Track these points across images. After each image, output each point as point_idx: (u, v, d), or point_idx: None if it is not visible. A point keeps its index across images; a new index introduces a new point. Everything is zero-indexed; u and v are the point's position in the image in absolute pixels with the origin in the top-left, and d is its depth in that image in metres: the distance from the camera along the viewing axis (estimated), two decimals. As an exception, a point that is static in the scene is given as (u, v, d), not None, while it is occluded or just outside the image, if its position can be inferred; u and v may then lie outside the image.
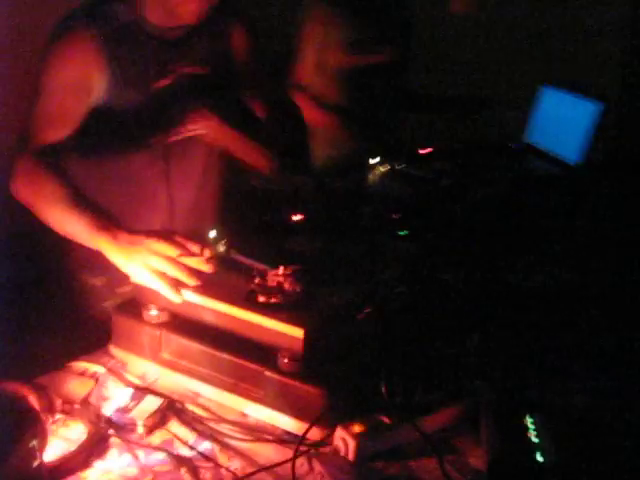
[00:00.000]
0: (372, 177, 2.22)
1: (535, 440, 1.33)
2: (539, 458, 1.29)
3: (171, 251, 1.48)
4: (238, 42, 1.92)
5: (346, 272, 1.59)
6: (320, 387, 1.35)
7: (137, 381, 1.52)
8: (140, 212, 1.87)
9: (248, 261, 1.52)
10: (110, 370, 1.55)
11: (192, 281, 1.46)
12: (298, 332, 1.35)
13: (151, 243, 1.48)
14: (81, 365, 1.56)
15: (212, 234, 1.62)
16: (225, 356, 1.45)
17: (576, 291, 1.90)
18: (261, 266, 1.48)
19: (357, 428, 1.34)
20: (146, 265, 1.47)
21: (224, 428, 1.40)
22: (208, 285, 1.48)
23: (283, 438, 1.38)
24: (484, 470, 1.31)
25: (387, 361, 1.41)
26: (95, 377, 1.52)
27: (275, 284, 1.42)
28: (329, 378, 1.37)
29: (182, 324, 1.52)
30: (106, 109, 1.72)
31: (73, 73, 1.70)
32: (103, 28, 1.70)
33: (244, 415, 1.45)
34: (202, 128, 1.81)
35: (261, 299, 1.40)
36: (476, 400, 1.45)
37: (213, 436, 1.38)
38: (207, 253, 1.48)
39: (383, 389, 1.33)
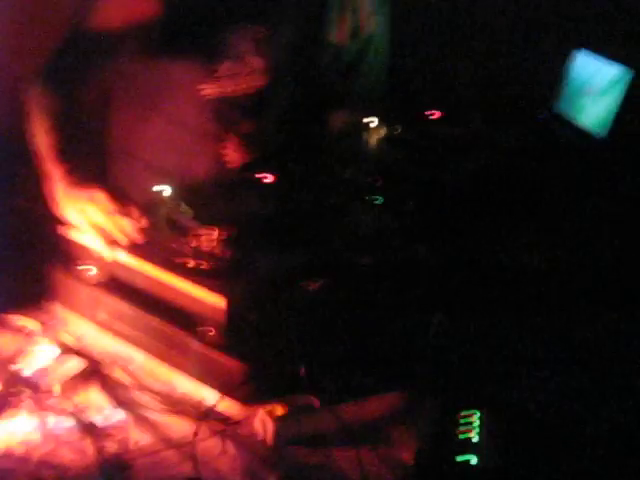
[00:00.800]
0: (366, 139, 2.06)
1: (475, 440, 1.20)
2: (472, 460, 1.16)
3: (111, 208, 1.42)
4: None
5: (301, 236, 1.47)
6: (241, 361, 1.25)
7: (71, 342, 1.45)
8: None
9: (190, 222, 1.41)
10: (45, 328, 1.48)
11: (124, 240, 1.39)
12: (220, 301, 1.24)
13: (96, 195, 1.43)
14: (17, 319, 1.50)
15: (167, 191, 1.53)
16: (155, 321, 1.36)
17: (569, 277, 1.72)
18: (200, 228, 1.38)
19: (278, 410, 1.23)
20: (85, 215, 1.43)
21: (146, 398, 1.32)
22: (143, 246, 1.39)
23: (205, 414, 1.29)
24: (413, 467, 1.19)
25: (317, 338, 1.29)
26: (28, 334, 1.46)
27: (208, 249, 1.32)
28: (254, 352, 1.26)
29: (119, 285, 1.44)
30: None
31: None
32: None
33: (173, 386, 1.36)
34: None
35: (190, 264, 1.30)
36: (421, 389, 1.32)
37: (131, 406, 1.30)
38: (143, 222, 1.40)
39: (302, 370, 1.21)
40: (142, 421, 1.27)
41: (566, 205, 2.14)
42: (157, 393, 1.33)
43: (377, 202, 1.65)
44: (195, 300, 1.28)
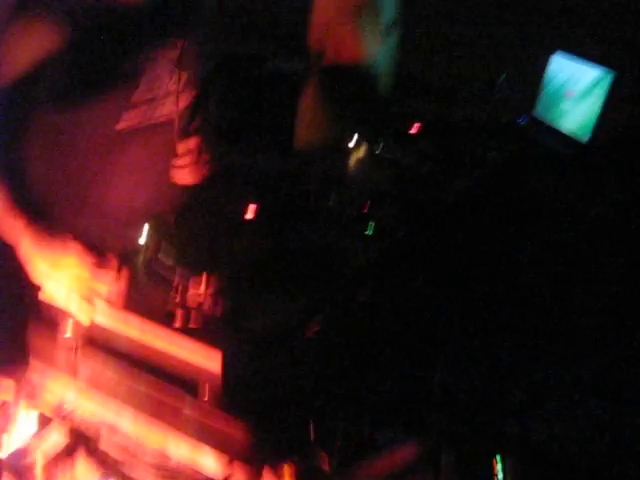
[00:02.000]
0: (350, 162, 1.97)
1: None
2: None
3: (87, 259, 1.31)
4: None
5: (293, 280, 1.37)
6: (243, 420, 1.14)
7: (49, 411, 1.33)
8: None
9: (171, 272, 1.30)
10: (21, 396, 1.36)
11: (105, 294, 1.28)
12: (213, 362, 1.13)
13: (69, 246, 1.35)
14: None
15: (144, 236, 1.42)
16: (142, 385, 1.25)
17: (574, 295, 1.65)
18: (185, 278, 1.27)
19: (287, 473, 1.13)
20: (60, 269, 1.34)
21: (139, 469, 1.21)
22: (124, 303, 1.28)
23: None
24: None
25: (325, 393, 1.19)
26: (2, 405, 1.34)
27: (195, 305, 1.21)
28: (256, 411, 1.16)
29: (100, 347, 1.32)
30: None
31: None
32: None
33: (165, 454, 1.25)
34: None
35: (177, 324, 1.19)
36: (437, 437, 1.23)
37: (122, 475, 1.19)
38: (124, 273, 1.29)
39: (311, 431, 1.11)
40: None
41: (556, 214, 2.08)
42: (150, 465, 1.22)
43: (368, 233, 1.56)
44: (184, 362, 1.17)
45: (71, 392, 1.36)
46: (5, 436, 1.25)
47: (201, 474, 1.19)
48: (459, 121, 2.42)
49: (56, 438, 1.24)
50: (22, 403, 1.33)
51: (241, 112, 3.35)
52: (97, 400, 1.33)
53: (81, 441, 1.25)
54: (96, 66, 1.53)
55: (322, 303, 1.35)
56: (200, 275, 1.29)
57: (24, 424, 1.28)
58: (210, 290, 1.21)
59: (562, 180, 2.19)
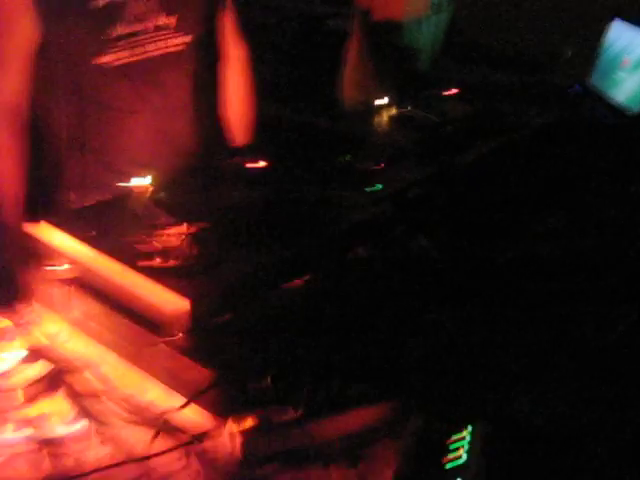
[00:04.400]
0: (375, 120, 1.93)
1: (461, 460, 1.08)
2: (456, 484, 1.04)
3: None
4: None
5: (284, 230, 1.35)
6: (208, 368, 1.14)
7: (43, 342, 1.37)
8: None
9: (157, 218, 1.31)
10: (18, 326, 1.40)
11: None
12: (184, 303, 1.14)
13: None
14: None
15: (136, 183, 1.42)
16: (124, 322, 1.27)
17: (588, 272, 1.57)
18: (169, 223, 1.27)
19: (249, 423, 1.13)
20: None
21: (111, 407, 1.23)
22: (110, 242, 1.29)
23: (170, 425, 1.19)
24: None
25: (294, 343, 1.18)
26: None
27: (175, 246, 1.21)
28: (223, 359, 1.16)
29: (90, 284, 1.34)
30: None
31: None
32: None
33: (142, 392, 1.27)
34: None
35: (155, 263, 1.20)
36: (407, 402, 1.20)
37: (94, 414, 1.21)
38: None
39: (268, 380, 1.10)
40: (103, 431, 1.18)
41: (594, 187, 1.98)
42: (125, 400, 1.24)
43: (374, 189, 1.52)
44: (161, 302, 1.18)
45: (65, 325, 1.40)
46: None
47: (169, 420, 1.20)
48: (504, 86, 2.32)
49: (39, 367, 1.28)
50: (17, 333, 1.38)
51: (294, 70, 3.33)
52: (87, 333, 1.36)
53: (62, 378, 1.28)
54: None
55: (310, 256, 1.33)
56: (185, 221, 1.29)
57: (13, 351, 1.33)
58: (191, 232, 1.21)
59: (603, 152, 2.08)
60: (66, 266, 1.36)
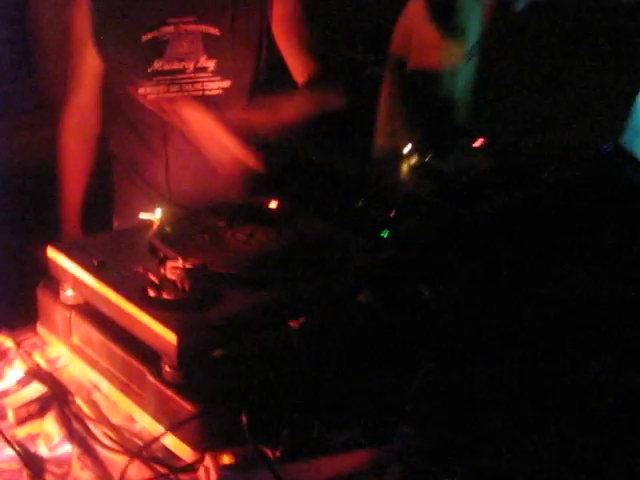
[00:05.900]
0: (398, 167, 1.94)
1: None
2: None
3: None
4: None
5: (284, 272, 1.36)
6: (194, 402, 1.15)
7: (42, 364, 1.40)
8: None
9: (164, 249, 1.33)
10: (20, 348, 1.44)
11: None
12: (171, 337, 1.15)
13: None
14: (-5, 337, 1.46)
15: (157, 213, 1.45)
16: (118, 351, 1.29)
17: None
18: (173, 255, 1.29)
19: (226, 459, 1.13)
20: None
21: (98, 432, 1.24)
22: (110, 272, 1.32)
23: (154, 455, 1.20)
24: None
25: (282, 384, 1.18)
26: (3, 352, 1.42)
27: (172, 279, 1.23)
28: (213, 395, 1.17)
29: (92, 309, 1.37)
30: None
31: None
32: None
33: (132, 421, 1.28)
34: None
35: (151, 294, 1.22)
36: (397, 448, 1.18)
37: (80, 438, 1.23)
38: None
39: (243, 419, 1.10)
40: (86, 455, 1.19)
41: (623, 245, 1.95)
42: (112, 428, 1.26)
43: (382, 235, 1.53)
44: (152, 333, 1.20)
45: (66, 349, 1.43)
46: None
47: (151, 451, 1.20)
48: (532, 146, 2.31)
49: (33, 389, 1.30)
50: (18, 354, 1.42)
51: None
52: (85, 359, 1.39)
53: (54, 401, 1.30)
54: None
55: (309, 298, 1.34)
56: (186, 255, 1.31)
57: (13, 371, 1.36)
58: (188, 266, 1.23)
59: (631, 211, 2.05)
60: (70, 292, 1.40)
